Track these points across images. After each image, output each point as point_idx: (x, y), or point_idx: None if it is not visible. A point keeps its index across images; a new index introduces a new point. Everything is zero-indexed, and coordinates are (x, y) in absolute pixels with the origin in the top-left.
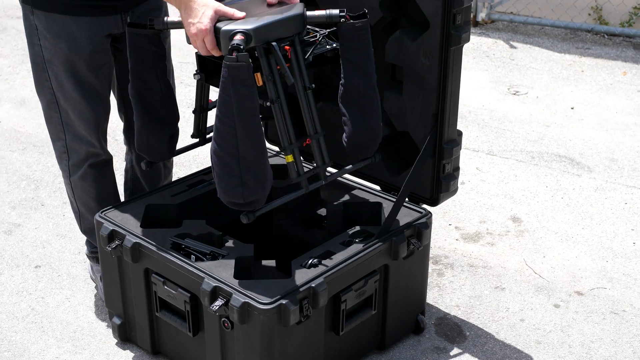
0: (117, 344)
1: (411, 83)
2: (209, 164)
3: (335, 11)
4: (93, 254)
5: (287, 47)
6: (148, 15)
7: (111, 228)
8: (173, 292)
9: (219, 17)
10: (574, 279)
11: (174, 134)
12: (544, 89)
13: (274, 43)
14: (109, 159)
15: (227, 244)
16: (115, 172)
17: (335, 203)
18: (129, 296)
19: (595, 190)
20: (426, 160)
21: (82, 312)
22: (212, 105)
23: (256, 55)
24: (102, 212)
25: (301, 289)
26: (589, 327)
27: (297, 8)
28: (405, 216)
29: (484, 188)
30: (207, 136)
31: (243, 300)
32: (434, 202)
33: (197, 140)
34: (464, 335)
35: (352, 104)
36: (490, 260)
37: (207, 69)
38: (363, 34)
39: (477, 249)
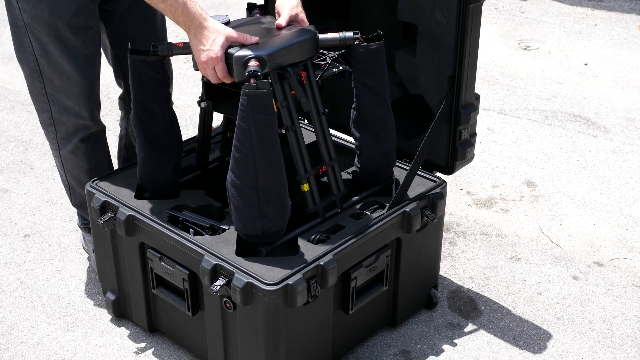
0: (111, 320)
1: (426, 43)
2: None
3: (349, 34)
4: (85, 224)
5: (302, 73)
6: None
7: (103, 199)
8: (170, 268)
9: (230, 44)
10: (592, 249)
11: (178, 164)
12: (556, 44)
13: (289, 68)
14: (101, 130)
15: (228, 217)
16: (109, 134)
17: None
18: (123, 271)
19: (612, 153)
20: (441, 125)
21: (74, 285)
22: (214, 132)
23: (269, 81)
24: (93, 182)
25: (309, 268)
26: (610, 301)
27: (309, 31)
28: (419, 185)
29: (496, 150)
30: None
31: (246, 281)
32: (449, 171)
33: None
34: (479, 310)
35: (366, 128)
36: (504, 227)
37: (213, 96)
38: (378, 56)
39: (490, 215)
